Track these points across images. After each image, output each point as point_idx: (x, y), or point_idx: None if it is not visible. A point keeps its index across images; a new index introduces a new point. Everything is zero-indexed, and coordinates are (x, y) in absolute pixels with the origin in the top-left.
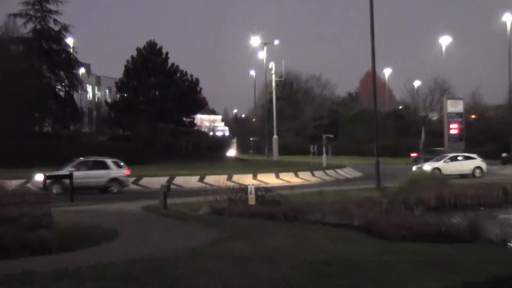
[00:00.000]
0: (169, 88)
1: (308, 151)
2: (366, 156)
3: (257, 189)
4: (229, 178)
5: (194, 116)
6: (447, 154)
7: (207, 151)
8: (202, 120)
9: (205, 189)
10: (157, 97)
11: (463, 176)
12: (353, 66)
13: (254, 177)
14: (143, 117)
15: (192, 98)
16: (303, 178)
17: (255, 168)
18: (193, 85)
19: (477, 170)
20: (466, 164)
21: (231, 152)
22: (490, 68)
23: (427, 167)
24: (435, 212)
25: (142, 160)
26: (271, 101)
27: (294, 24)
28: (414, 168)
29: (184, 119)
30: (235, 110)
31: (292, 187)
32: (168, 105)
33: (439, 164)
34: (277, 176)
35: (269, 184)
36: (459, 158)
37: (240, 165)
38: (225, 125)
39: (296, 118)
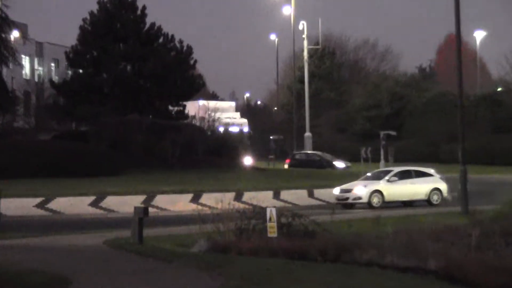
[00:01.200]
0: (147, 60)
1: (357, 156)
2: (447, 163)
3: (281, 213)
4: (238, 197)
5: (184, 103)
6: (392, 169)
7: (207, 156)
8: (205, 108)
9: (202, 214)
10: (129, 74)
11: (407, 203)
12: (427, 29)
13: (276, 195)
14: (108, 105)
15: (181, 76)
16: (323, 198)
17: (277, 182)
18: (183, 57)
19: (435, 196)
20: (420, 184)
21: (248, 160)
22: None
23: (360, 190)
24: None
25: (106, 169)
26: (301, 81)
27: None
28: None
29: (170, 108)
30: (247, 95)
31: (334, 210)
32: (146, 86)
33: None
34: (311, 194)
35: (299, 206)
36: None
37: (255, 177)
38: (242, 116)
39: (339, 106)
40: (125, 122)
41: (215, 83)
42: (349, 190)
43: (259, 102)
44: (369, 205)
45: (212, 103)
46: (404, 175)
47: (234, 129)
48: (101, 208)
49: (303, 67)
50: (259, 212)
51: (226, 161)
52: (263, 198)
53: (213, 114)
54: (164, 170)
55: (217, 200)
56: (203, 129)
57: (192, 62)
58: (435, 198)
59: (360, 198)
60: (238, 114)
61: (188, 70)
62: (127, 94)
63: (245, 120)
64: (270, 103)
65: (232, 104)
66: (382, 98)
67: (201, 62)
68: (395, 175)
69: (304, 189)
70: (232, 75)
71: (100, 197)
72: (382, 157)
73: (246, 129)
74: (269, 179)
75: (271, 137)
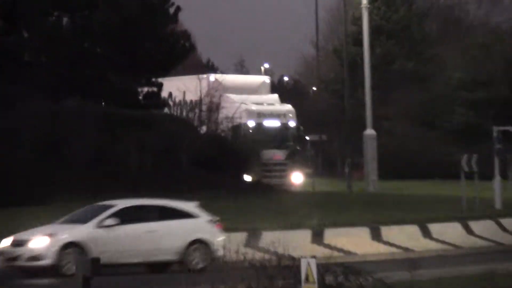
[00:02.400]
0: (96, 9)
1: (455, 168)
2: None
3: (326, 268)
4: (253, 240)
5: (157, 79)
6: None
7: (197, 169)
8: (218, 87)
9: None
10: (66, 32)
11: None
12: None
13: (317, 237)
14: (31, 83)
15: (154, 35)
16: (443, 239)
17: (313, 211)
18: (156, 3)
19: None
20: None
21: (298, 177)
22: None
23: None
24: None
25: (26, 192)
26: (358, 42)
27: None
28: None
29: (139, 89)
30: (266, 66)
31: (415, 262)
32: (94, 52)
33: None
34: (376, 235)
35: (356, 256)
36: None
37: (281, 205)
38: (283, 101)
39: (423, 85)
40: (59, 112)
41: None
42: (23, 242)
43: (286, 78)
44: (56, 270)
45: (230, 79)
46: (133, 216)
47: (272, 123)
48: None
49: (360, 19)
50: (288, 265)
51: (228, 177)
52: (295, 241)
53: (232, 96)
54: (126, 191)
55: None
56: (190, 124)
57: (171, 10)
58: (195, 258)
59: (38, 257)
60: (275, 97)
61: (166, 24)
62: (63, 66)
63: (289, 108)
64: (306, 79)
65: (265, 80)
66: (496, 71)
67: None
68: (115, 214)
69: (364, 226)
70: (241, 35)
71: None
72: (496, 171)
73: (292, 123)
74: (305, 208)
75: (306, 138)
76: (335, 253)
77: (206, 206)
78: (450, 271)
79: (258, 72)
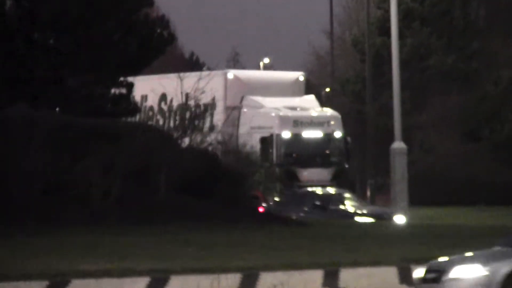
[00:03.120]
0: None
1: (505, 191)
2: None
3: None
4: (250, 282)
5: (127, 79)
6: None
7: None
8: (240, 86)
9: None
10: (9, 17)
11: None
12: None
13: (330, 278)
14: None
15: (122, 22)
16: None
17: (323, 245)
18: None
19: None
20: None
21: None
22: None
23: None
24: None
25: None
26: (384, 29)
27: None
28: None
29: (103, 92)
30: (266, 61)
31: None
32: (46, 43)
33: None
34: (405, 276)
35: None
36: None
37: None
38: (322, 105)
39: (468, 86)
40: (1, 123)
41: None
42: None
43: None
44: None
45: (254, 76)
46: None
47: (312, 134)
48: None
49: (387, 1)
50: None
51: (218, 205)
52: (302, 284)
53: (257, 99)
54: (87, 224)
55: None
56: (170, 136)
57: None
58: None
59: None
60: (313, 100)
61: (138, 9)
62: (5, 63)
63: (334, 114)
64: (317, 78)
65: (299, 77)
66: None
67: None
68: None
69: (393, 266)
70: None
71: None
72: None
73: (338, 133)
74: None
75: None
76: None
77: (189, 241)
78: None
79: (254, 66)
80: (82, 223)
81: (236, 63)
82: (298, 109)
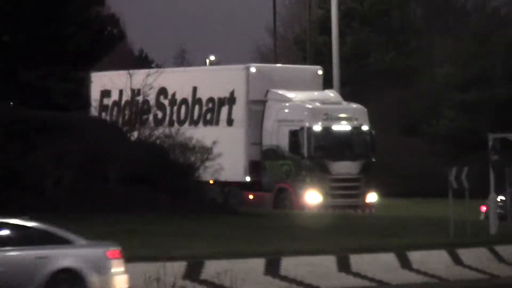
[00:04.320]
0: None
1: (441, 183)
2: None
3: None
4: (194, 270)
5: (78, 74)
6: None
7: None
8: (263, 80)
9: None
10: None
11: None
12: None
13: (272, 266)
14: None
15: (74, 18)
16: (425, 270)
17: (267, 236)
18: None
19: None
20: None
21: (373, 196)
22: None
23: None
24: None
25: None
26: (325, 28)
27: None
28: None
29: (55, 86)
30: (211, 58)
31: None
32: (1, 40)
33: None
34: (344, 265)
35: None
36: None
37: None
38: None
39: (405, 83)
40: None
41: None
42: None
43: None
44: None
45: (276, 70)
46: None
47: (342, 127)
48: None
49: (328, 1)
50: None
51: (167, 197)
52: (245, 273)
53: (283, 93)
54: (39, 213)
55: (148, 278)
56: (119, 130)
57: None
58: None
59: None
60: (335, 93)
61: (89, 6)
62: None
63: (361, 107)
64: None
65: (318, 71)
66: (494, 66)
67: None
68: None
69: (330, 254)
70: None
71: None
72: (492, 186)
73: (365, 126)
74: (256, 231)
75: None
76: (294, 287)
77: (137, 230)
78: None
79: (201, 63)
80: (35, 211)
81: (183, 60)
82: (326, 102)
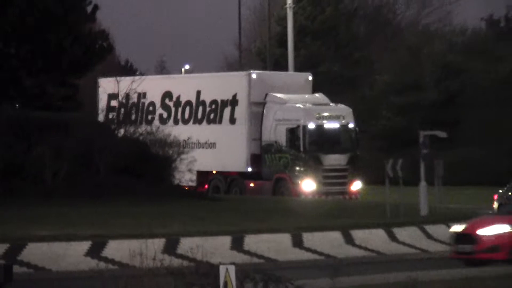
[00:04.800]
0: (10, 5)
1: (381, 173)
2: None
3: (245, 275)
4: (171, 247)
5: (75, 80)
6: None
7: (116, 175)
8: (263, 85)
9: (106, 275)
10: None
11: None
12: None
13: (237, 242)
14: None
15: (71, 33)
16: (367, 245)
17: (235, 217)
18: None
19: None
20: None
21: (358, 184)
22: None
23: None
24: None
25: None
26: (282, 42)
27: None
28: None
29: (52, 89)
30: (186, 67)
31: (337, 269)
32: (7, 50)
33: None
34: (298, 242)
35: (277, 262)
36: None
37: (201, 210)
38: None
39: (350, 88)
40: None
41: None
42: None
43: None
44: None
45: (273, 76)
46: None
47: (332, 125)
48: None
49: (285, 19)
50: (207, 272)
51: (148, 184)
52: (214, 248)
53: (280, 96)
54: (40, 199)
55: (132, 253)
56: (109, 128)
57: (89, 9)
58: None
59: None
60: (324, 96)
61: (82, 22)
62: None
63: (347, 108)
64: None
65: (308, 77)
66: (424, 74)
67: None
68: None
69: (286, 232)
70: (161, 35)
71: None
72: (422, 175)
73: (351, 124)
74: (225, 214)
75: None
76: (255, 260)
77: (122, 212)
78: (373, 278)
79: (178, 72)
80: (36, 198)
81: (163, 69)
82: (317, 103)
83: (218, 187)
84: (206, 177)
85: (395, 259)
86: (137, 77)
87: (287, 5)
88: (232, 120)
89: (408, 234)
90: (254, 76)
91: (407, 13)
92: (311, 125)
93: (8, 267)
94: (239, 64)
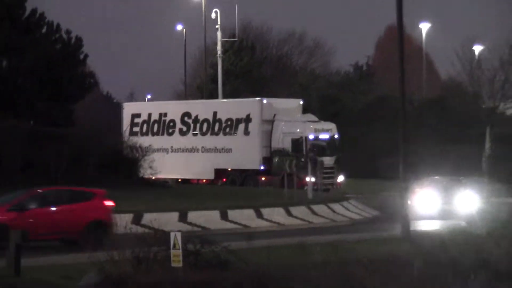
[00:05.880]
0: (26, 53)
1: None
2: (388, 178)
3: (187, 239)
4: (137, 220)
5: (71, 105)
6: None
7: (101, 171)
8: (271, 108)
9: None
10: (4, 70)
11: None
12: (366, 22)
13: (183, 217)
14: None
15: (69, 74)
16: (272, 219)
17: (185, 201)
18: (71, 50)
19: None
20: None
21: (341, 178)
22: None
23: None
24: None
25: None
26: (215, 80)
27: None
28: None
29: (56, 112)
30: (148, 96)
31: (251, 235)
32: (25, 85)
33: None
34: (224, 216)
35: (210, 231)
36: None
37: (159, 195)
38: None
39: None
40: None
41: (110, 82)
42: None
43: None
44: None
45: (277, 101)
46: None
47: (324, 136)
48: None
49: (216, 64)
50: (161, 237)
51: (123, 177)
52: (167, 220)
53: (283, 117)
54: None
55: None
56: (97, 137)
57: (81, 57)
58: None
59: None
60: (313, 116)
61: (77, 66)
62: (1, 95)
63: (333, 124)
64: None
65: (300, 102)
66: (312, 102)
67: (94, 58)
68: None
69: (217, 210)
70: (131, 74)
71: None
72: (309, 171)
73: (336, 135)
74: (176, 198)
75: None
76: (195, 229)
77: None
78: (275, 241)
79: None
80: (43, 186)
81: (132, 98)
82: (311, 121)
83: (234, 180)
84: (223, 173)
85: (291, 229)
86: (161, 102)
87: (218, 55)
88: (247, 133)
89: (299, 211)
90: (264, 101)
91: (299, 60)
92: (311, 136)
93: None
94: (184, 95)
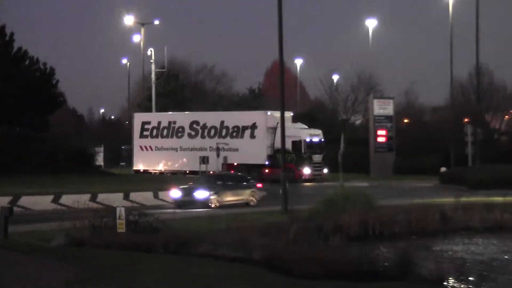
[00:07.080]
0: (15, 80)
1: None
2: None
3: (129, 212)
4: (93, 198)
5: (48, 117)
6: None
7: (68, 162)
8: (274, 119)
9: (61, 213)
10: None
11: None
12: (258, 57)
13: (126, 197)
14: None
15: (45, 94)
16: (162, 198)
17: (127, 185)
18: (46, 77)
19: None
20: None
21: (326, 171)
22: (428, 60)
23: None
24: (357, 243)
25: None
26: (150, 99)
27: (180, 1)
28: None
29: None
30: (102, 110)
31: (175, 210)
32: (15, 102)
33: None
34: (157, 196)
35: (146, 206)
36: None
37: (108, 180)
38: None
39: None
40: None
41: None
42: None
43: (113, 117)
44: None
45: (276, 113)
46: None
47: (316, 139)
48: None
49: (151, 88)
50: (110, 211)
51: (84, 167)
52: (114, 199)
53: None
54: (30, 175)
55: (74, 201)
56: (64, 139)
57: (54, 82)
58: None
59: None
60: (303, 124)
61: (51, 89)
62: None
63: (319, 130)
64: (123, 118)
65: (291, 113)
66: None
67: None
68: None
69: (150, 191)
70: (90, 93)
71: None
72: (200, 168)
73: (322, 139)
74: (121, 183)
75: (122, 147)
76: (135, 205)
77: (71, 181)
78: (192, 214)
79: (98, 113)
80: (27, 175)
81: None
82: (304, 127)
83: (240, 172)
84: (231, 167)
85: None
86: (170, 113)
87: (152, 81)
88: (253, 136)
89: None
90: (268, 113)
91: (210, 85)
92: (307, 139)
93: (11, 208)
94: (128, 109)
